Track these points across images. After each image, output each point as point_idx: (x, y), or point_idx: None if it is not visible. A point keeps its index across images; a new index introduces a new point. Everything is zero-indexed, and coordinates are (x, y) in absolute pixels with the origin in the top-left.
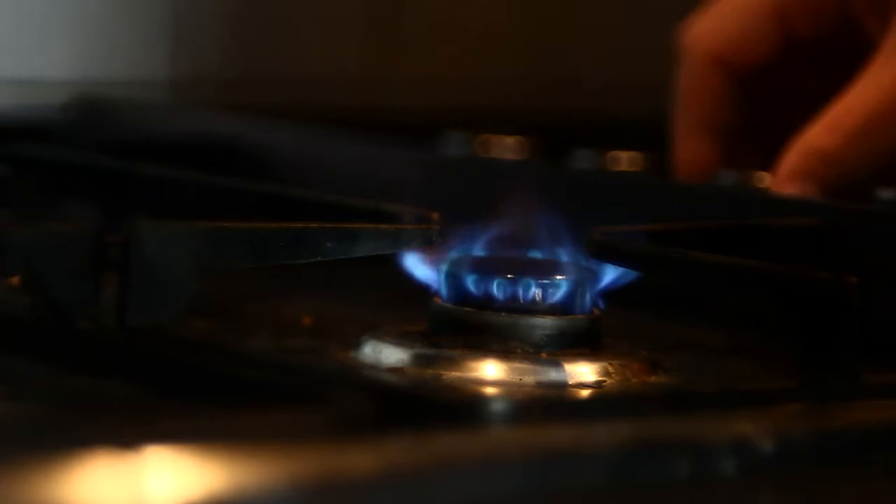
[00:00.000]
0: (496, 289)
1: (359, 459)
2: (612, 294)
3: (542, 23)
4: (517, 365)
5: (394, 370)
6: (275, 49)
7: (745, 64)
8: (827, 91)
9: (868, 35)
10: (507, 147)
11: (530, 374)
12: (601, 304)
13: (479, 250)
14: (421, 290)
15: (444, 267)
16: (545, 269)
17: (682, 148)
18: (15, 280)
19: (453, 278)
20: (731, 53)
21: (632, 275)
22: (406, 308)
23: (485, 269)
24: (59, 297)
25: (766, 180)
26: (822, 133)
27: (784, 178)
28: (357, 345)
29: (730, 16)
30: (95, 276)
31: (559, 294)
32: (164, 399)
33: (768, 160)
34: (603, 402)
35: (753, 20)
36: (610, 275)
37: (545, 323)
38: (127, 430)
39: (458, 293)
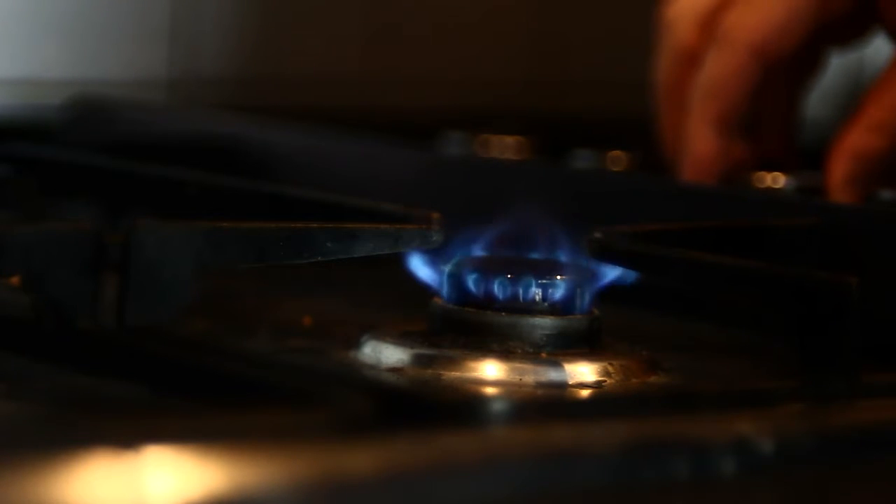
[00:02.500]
0: (496, 289)
1: (359, 459)
2: (612, 294)
3: (543, 23)
4: (517, 365)
5: (394, 370)
6: (275, 49)
7: (784, 55)
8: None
9: (881, 14)
10: (507, 147)
11: (530, 374)
12: (601, 304)
13: (479, 250)
14: (421, 290)
15: (445, 267)
16: (545, 269)
17: (699, 143)
18: (15, 280)
19: (453, 278)
20: (772, 44)
21: (632, 275)
22: (406, 308)
23: (485, 269)
24: (59, 297)
25: (766, 179)
26: (867, 134)
27: (839, 186)
28: (357, 345)
29: (773, 4)
30: (95, 276)
31: (559, 294)
32: (164, 399)
33: (766, 156)
34: (603, 402)
35: (799, 7)
36: (610, 275)
37: (545, 323)
38: (127, 430)
39: (458, 293)
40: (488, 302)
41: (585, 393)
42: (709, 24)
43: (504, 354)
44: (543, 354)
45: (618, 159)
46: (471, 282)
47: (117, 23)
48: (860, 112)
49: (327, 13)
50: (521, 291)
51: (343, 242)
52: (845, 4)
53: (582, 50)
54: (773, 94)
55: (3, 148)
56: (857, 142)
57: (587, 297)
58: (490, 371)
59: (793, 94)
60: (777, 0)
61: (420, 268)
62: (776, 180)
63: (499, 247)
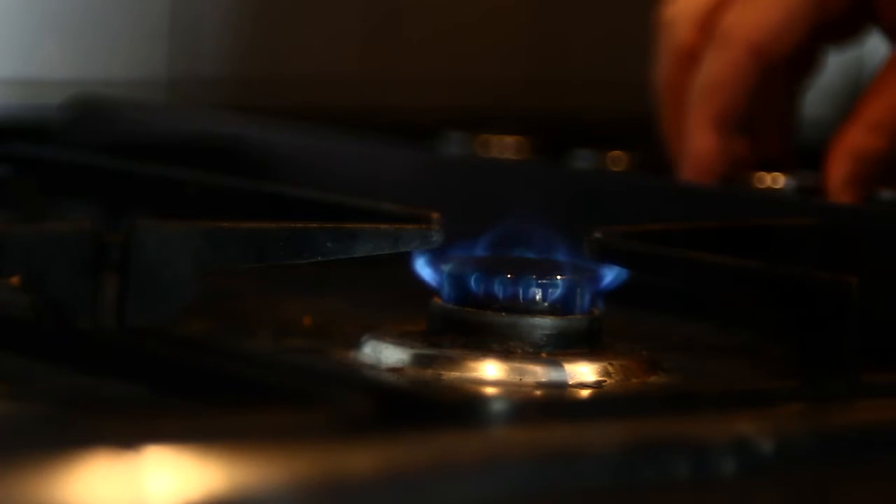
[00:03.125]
0: (496, 289)
1: (359, 459)
2: (612, 294)
3: (542, 23)
4: (517, 365)
5: (394, 370)
6: (275, 49)
7: (783, 54)
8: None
9: (878, 13)
10: (507, 147)
11: (530, 374)
12: (601, 304)
13: (479, 250)
14: (421, 290)
15: (445, 267)
16: (545, 269)
17: (697, 142)
18: (15, 280)
19: (453, 278)
20: (770, 43)
21: (632, 275)
22: (406, 308)
23: (485, 269)
24: (59, 297)
25: (766, 179)
26: (866, 134)
27: (839, 187)
28: (357, 345)
29: (771, 3)
30: (95, 276)
31: (559, 294)
32: (164, 399)
33: (762, 155)
34: (603, 402)
35: (796, 6)
36: (610, 275)
37: (545, 323)
38: (127, 430)
39: (458, 293)
40: (488, 302)
41: (585, 393)
42: (707, 24)
43: (504, 354)
44: (543, 354)
45: (618, 159)
46: (471, 282)
47: (117, 23)
48: (858, 112)
49: (327, 13)
50: (521, 291)
51: (343, 242)
52: (842, 4)
53: (582, 50)
54: (770, 94)
55: (3, 148)
56: (856, 142)
57: (587, 297)
58: (490, 371)
59: (790, 93)
60: (775, 0)
61: (420, 268)
62: (776, 180)
63: (499, 247)
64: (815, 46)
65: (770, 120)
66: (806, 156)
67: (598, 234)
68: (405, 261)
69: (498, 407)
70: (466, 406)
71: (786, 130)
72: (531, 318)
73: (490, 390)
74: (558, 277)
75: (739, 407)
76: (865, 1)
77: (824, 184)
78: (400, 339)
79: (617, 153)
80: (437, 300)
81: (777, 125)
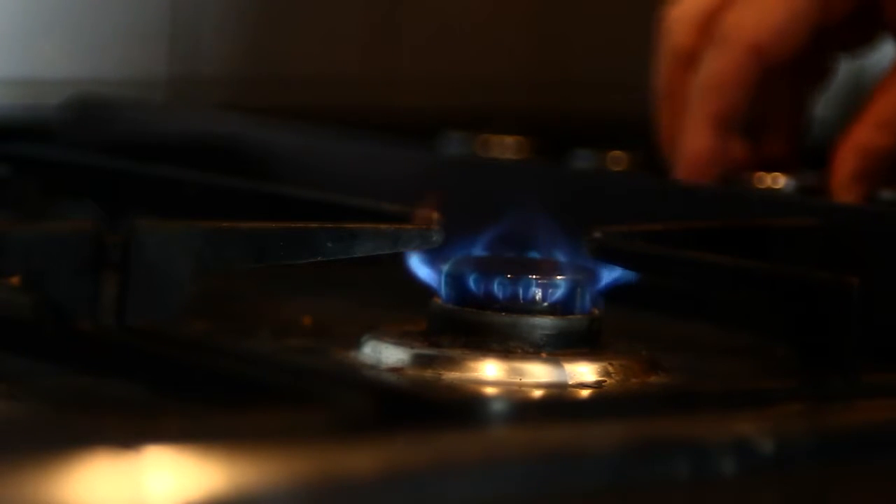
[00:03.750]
0: (496, 289)
1: (359, 459)
2: (612, 294)
3: (543, 23)
4: (517, 365)
5: (394, 370)
6: (275, 49)
7: (784, 55)
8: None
9: (884, 15)
10: (507, 147)
11: (530, 374)
12: (601, 304)
13: (479, 250)
14: (421, 290)
15: (445, 267)
16: (545, 269)
17: (694, 140)
18: (15, 280)
19: (453, 278)
20: (771, 43)
21: (632, 275)
22: (406, 308)
23: (485, 269)
24: (59, 297)
25: (766, 179)
26: (874, 132)
27: (845, 183)
28: (357, 345)
29: (773, 4)
30: (95, 276)
31: (559, 294)
32: (164, 399)
33: (763, 156)
34: (603, 402)
35: (798, 8)
36: (610, 275)
37: (545, 323)
38: (127, 430)
39: (458, 293)
40: (488, 302)
41: (585, 393)
42: (706, 26)
43: (504, 354)
44: (543, 354)
45: (618, 159)
46: (471, 282)
47: (117, 22)
48: (867, 109)
49: (327, 13)
50: (521, 291)
51: (343, 242)
52: (846, 6)
53: (582, 50)
54: (776, 97)
55: (3, 148)
56: (864, 139)
57: (587, 297)
58: (490, 371)
59: (798, 98)
60: (777, 1)
61: (420, 268)
62: (776, 180)
63: (499, 247)
64: (824, 53)
65: (776, 124)
66: (806, 156)
67: (598, 234)
68: (405, 261)
69: (498, 407)
70: (466, 406)
71: (793, 135)
72: (531, 318)
73: (490, 390)
74: (558, 277)
75: (739, 407)
76: (870, 2)
77: (830, 180)
78: (400, 339)
79: (617, 153)
80: (437, 300)
81: (784, 130)
